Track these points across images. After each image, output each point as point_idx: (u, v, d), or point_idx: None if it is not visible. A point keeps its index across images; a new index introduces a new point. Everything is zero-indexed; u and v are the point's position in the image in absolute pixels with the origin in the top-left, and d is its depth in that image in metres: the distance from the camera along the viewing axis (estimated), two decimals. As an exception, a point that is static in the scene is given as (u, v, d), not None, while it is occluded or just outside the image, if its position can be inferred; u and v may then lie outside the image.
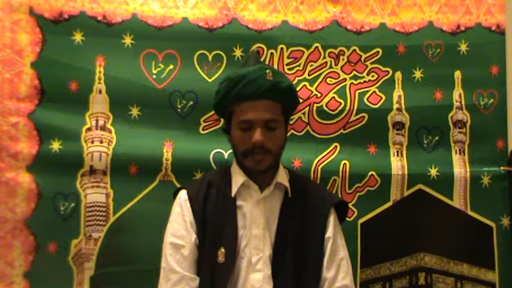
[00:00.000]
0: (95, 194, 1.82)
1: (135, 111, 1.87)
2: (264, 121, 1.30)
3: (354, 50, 1.96)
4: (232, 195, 1.36)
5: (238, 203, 1.36)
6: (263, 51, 1.92)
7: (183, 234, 1.34)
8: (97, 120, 1.85)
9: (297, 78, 1.93)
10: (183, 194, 1.40)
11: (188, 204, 1.37)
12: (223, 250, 1.30)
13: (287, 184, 1.39)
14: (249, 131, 1.30)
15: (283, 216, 1.36)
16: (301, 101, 1.91)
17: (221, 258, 1.30)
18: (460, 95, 1.99)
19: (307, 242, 1.35)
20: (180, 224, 1.35)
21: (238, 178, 1.38)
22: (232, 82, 1.33)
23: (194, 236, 1.33)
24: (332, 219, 1.39)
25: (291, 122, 1.89)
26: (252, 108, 1.30)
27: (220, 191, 1.38)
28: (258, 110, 1.29)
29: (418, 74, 1.98)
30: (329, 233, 1.37)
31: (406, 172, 1.93)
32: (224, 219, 1.34)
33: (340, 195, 1.90)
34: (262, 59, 1.46)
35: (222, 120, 1.86)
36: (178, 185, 1.83)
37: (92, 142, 1.83)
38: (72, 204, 1.81)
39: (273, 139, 1.31)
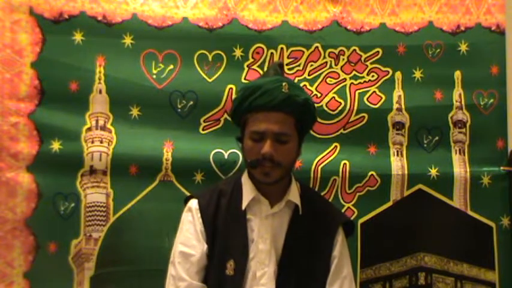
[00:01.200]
0: (95, 194, 1.82)
1: (135, 111, 1.87)
2: (275, 134, 1.28)
3: (354, 50, 1.96)
4: (243, 208, 1.35)
5: (248, 216, 1.36)
6: (263, 51, 1.92)
7: (194, 244, 1.33)
8: (97, 120, 1.85)
9: (297, 78, 1.93)
10: (194, 204, 1.39)
11: (199, 214, 1.36)
12: (232, 263, 1.31)
13: (298, 202, 1.38)
14: (259, 142, 1.29)
15: (290, 233, 1.36)
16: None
17: (230, 271, 1.30)
18: (460, 95, 1.99)
19: (313, 259, 1.35)
20: (191, 234, 1.35)
21: (248, 191, 1.37)
22: (248, 91, 1.32)
23: (205, 245, 1.33)
24: (340, 239, 1.40)
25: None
26: (264, 120, 1.29)
27: (231, 203, 1.37)
28: (270, 121, 1.28)
29: (418, 74, 1.98)
30: (336, 252, 1.37)
31: (406, 172, 1.93)
32: (234, 232, 1.34)
33: (340, 195, 1.90)
34: (281, 70, 1.45)
35: (222, 120, 1.88)
36: (178, 185, 1.85)
37: (92, 142, 1.83)
38: (72, 204, 1.81)
39: (283, 152, 1.30)
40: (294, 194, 1.39)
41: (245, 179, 1.40)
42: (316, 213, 1.40)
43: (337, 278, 1.35)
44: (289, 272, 1.32)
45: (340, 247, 1.38)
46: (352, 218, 1.90)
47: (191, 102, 1.88)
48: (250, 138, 1.31)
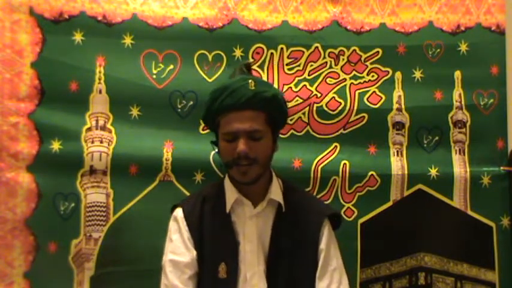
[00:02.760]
0: (95, 194, 1.82)
1: (135, 111, 1.87)
2: (247, 132, 1.29)
3: (354, 50, 1.96)
4: (227, 211, 1.37)
5: (232, 219, 1.37)
6: (263, 51, 1.92)
7: (183, 251, 1.34)
8: (97, 120, 1.85)
9: (297, 78, 1.94)
10: (179, 213, 1.40)
11: (185, 223, 1.37)
12: (224, 266, 1.32)
13: (281, 200, 1.39)
14: (233, 142, 1.30)
15: (276, 231, 1.36)
16: (301, 101, 1.92)
17: (222, 273, 1.31)
18: (460, 95, 1.99)
19: (301, 255, 1.36)
20: (180, 242, 1.36)
21: (230, 194, 1.38)
22: (216, 94, 1.33)
23: (194, 252, 1.34)
24: (325, 231, 1.39)
25: (290, 122, 1.89)
26: (235, 119, 1.29)
27: (215, 207, 1.38)
28: (241, 120, 1.29)
29: (418, 74, 1.98)
30: (322, 244, 1.37)
31: (406, 172, 1.93)
32: (221, 235, 1.35)
33: (340, 195, 1.90)
34: (254, 67, 1.46)
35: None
36: (178, 185, 1.85)
37: (92, 142, 1.83)
38: (72, 204, 1.81)
39: (257, 149, 1.31)
40: (275, 192, 1.39)
41: (227, 182, 1.41)
42: (300, 209, 1.41)
43: (326, 271, 1.35)
44: (279, 269, 1.33)
45: (326, 239, 1.38)
46: (352, 218, 1.90)
47: (191, 102, 1.88)
48: (224, 139, 1.33)
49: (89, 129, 1.84)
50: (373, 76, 1.97)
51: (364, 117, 1.94)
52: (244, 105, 1.29)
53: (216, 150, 1.41)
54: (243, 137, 1.29)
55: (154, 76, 1.88)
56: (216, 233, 1.35)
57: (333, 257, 1.38)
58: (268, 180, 1.40)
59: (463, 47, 2.00)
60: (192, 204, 1.41)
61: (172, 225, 1.41)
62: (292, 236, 1.36)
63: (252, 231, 1.35)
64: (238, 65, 1.48)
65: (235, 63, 1.89)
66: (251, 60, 1.90)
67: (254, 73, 1.87)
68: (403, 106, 1.97)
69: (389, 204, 1.93)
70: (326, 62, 1.95)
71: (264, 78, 1.91)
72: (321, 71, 1.95)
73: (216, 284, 1.31)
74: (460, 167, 1.96)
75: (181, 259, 1.33)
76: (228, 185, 1.40)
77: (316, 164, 1.90)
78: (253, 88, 1.30)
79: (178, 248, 1.35)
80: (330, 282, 1.34)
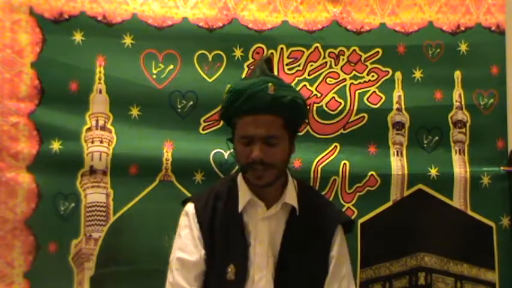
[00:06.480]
0: (95, 194, 1.82)
1: (135, 111, 1.87)
2: (263, 137, 1.26)
3: (354, 50, 1.96)
4: (239, 211, 1.34)
5: (244, 219, 1.34)
6: (263, 51, 1.92)
7: (191, 250, 1.32)
8: (97, 120, 1.85)
9: (297, 78, 1.94)
10: (190, 208, 1.37)
11: (196, 219, 1.35)
12: (232, 267, 1.30)
13: (295, 204, 1.36)
14: (249, 145, 1.27)
15: (287, 235, 1.34)
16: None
17: (231, 275, 1.29)
18: (460, 95, 1.99)
19: (311, 261, 1.34)
20: (189, 239, 1.33)
21: (244, 194, 1.35)
22: (234, 96, 1.29)
23: (203, 251, 1.32)
24: (338, 238, 1.38)
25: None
26: (252, 124, 1.26)
27: (228, 206, 1.36)
28: (257, 125, 1.26)
29: (418, 74, 1.98)
30: (334, 252, 1.36)
31: (406, 172, 1.93)
32: (232, 236, 1.33)
33: (340, 195, 1.90)
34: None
35: (222, 120, 1.87)
36: (178, 185, 1.85)
37: (92, 142, 1.83)
38: (72, 204, 1.81)
39: (273, 154, 1.28)
40: (290, 196, 1.37)
41: (240, 181, 1.38)
42: (314, 214, 1.38)
43: (335, 279, 1.35)
44: (287, 274, 1.31)
45: (338, 247, 1.37)
46: (352, 218, 1.90)
47: (191, 102, 1.88)
48: (240, 142, 1.30)
49: (89, 129, 1.84)
50: (373, 76, 1.97)
51: (364, 117, 1.94)
52: (261, 110, 1.26)
53: (232, 149, 1.37)
54: (258, 142, 1.26)
55: (154, 76, 1.88)
56: (226, 232, 1.33)
57: (343, 265, 1.37)
58: (283, 183, 1.37)
59: (463, 47, 2.00)
60: (204, 201, 1.37)
61: (182, 220, 1.38)
62: (303, 240, 1.34)
63: (264, 233, 1.33)
64: (258, 62, 1.43)
65: (235, 63, 1.90)
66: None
67: (254, 73, 1.88)
68: (403, 106, 1.97)
69: (389, 204, 1.93)
70: (326, 62, 1.95)
71: (264, 78, 1.91)
72: (321, 71, 1.95)
73: (223, 285, 1.30)
74: (460, 167, 1.96)
75: (189, 257, 1.31)
76: (241, 184, 1.37)
77: (316, 164, 1.90)
78: (272, 93, 1.26)
79: (187, 245, 1.33)
80: None
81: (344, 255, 1.39)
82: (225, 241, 1.33)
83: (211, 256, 1.32)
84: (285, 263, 1.32)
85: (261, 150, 1.26)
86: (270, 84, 1.27)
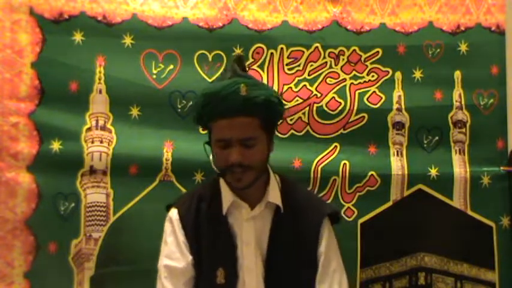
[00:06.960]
0: (95, 194, 1.82)
1: (135, 111, 1.87)
2: (240, 139, 1.23)
3: (354, 50, 1.96)
4: (223, 213, 1.32)
5: (229, 221, 1.33)
6: (263, 51, 1.92)
7: (178, 256, 1.30)
8: (97, 120, 1.85)
9: (297, 78, 1.94)
10: (174, 214, 1.35)
11: (180, 225, 1.33)
12: (222, 271, 1.29)
13: (279, 202, 1.33)
14: (226, 149, 1.24)
15: (274, 234, 1.33)
16: (301, 101, 1.92)
17: (221, 279, 1.28)
18: (460, 95, 1.99)
19: (300, 257, 1.33)
20: (174, 246, 1.32)
21: (227, 196, 1.33)
22: (206, 100, 1.26)
23: (190, 257, 1.30)
24: (325, 232, 1.36)
25: (290, 122, 1.90)
26: (227, 127, 1.23)
27: (211, 208, 1.34)
28: (233, 128, 1.22)
29: (418, 74, 1.98)
30: (322, 247, 1.34)
31: (406, 172, 1.93)
32: (218, 239, 1.32)
33: (340, 195, 1.90)
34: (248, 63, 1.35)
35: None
36: (178, 185, 1.85)
37: (92, 142, 1.83)
38: (72, 204, 1.81)
39: (251, 155, 1.25)
40: (273, 194, 1.34)
41: (223, 183, 1.35)
42: (299, 209, 1.36)
43: (326, 274, 1.33)
44: (277, 273, 1.30)
45: (326, 241, 1.34)
46: (352, 218, 1.90)
47: (191, 102, 1.88)
48: (217, 145, 1.27)
49: (89, 129, 1.84)
50: (373, 76, 1.97)
51: (364, 117, 1.94)
52: (236, 112, 1.22)
53: (210, 154, 1.33)
54: (235, 145, 1.23)
55: (154, 76, 1.88)
56: (212, 236, 1.32)
57: (333, 259, 1.35)
58: (265, 180, 1.35)
59: (463, 47, 2.00)
60: (187, 205, 1.36)
61: (167, 226, 1.36)
62: (291, 237, 1.33)
63: (250, 234, 1.31)
64: (230, 62, 1.38)
65: (235, 63, 1.90)
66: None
67: (254, 73, 1.88)
68: (403, 106, 1.97)
69: (389, 204, 1.93)
70: (326, 62, 1.95)
71: (264, 78, 1.91)
72: (321, 71, 1.95)
73: None
74: (460, 167, 1.96)
75: (176, 265, 1.29)
76: (224, 186, 1.35)
77: (316, 164, 1.90)
78: (244, 94, 1.22)
79: (173, 252, 1.31)
80: (331, 284, 1.32)
81: (333, 249, 1.37)
82: (211, 245, 1.31)
83: (199, 261, 1.31)
84: (273, 263, 1.31)
85: (238, 153, 1.23)
86: (242, 85, 1.23)
